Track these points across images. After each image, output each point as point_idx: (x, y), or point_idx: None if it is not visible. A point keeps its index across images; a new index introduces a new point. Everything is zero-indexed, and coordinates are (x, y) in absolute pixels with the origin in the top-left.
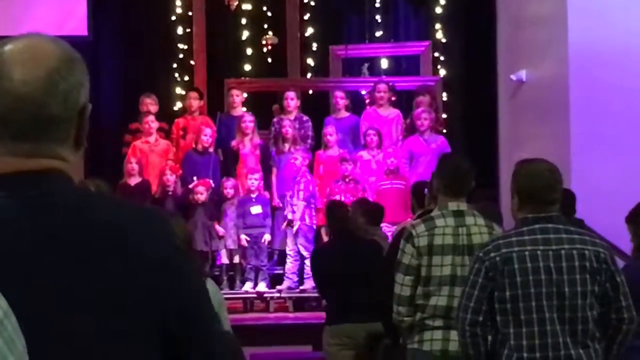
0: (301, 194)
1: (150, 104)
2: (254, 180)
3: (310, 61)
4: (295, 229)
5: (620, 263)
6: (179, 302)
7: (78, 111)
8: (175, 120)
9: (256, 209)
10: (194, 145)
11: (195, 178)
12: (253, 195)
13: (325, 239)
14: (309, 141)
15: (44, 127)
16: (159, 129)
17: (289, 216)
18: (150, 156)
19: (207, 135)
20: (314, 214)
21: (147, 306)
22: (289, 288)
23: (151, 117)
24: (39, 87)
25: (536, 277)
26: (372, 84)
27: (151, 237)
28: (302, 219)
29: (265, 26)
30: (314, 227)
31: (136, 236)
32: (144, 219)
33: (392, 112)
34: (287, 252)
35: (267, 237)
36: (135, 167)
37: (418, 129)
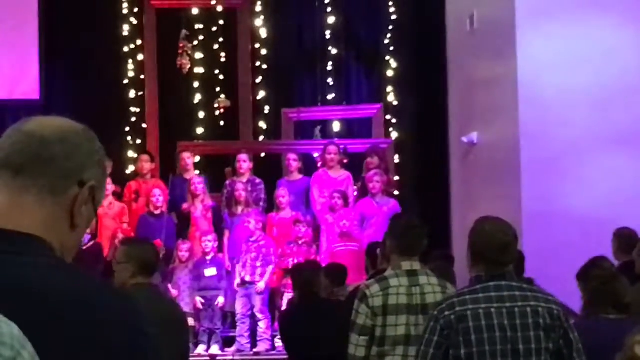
0: (272, 258)
1: None
2: (208, 242)
3: (262, 124)
4: (257, 290)
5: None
6: None
7: (80, 179)
8: (128, 183)
9: (210, 272)
10: (147, 209)
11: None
12: (208, 258)
13: (280, 301)
14: (262, 204)
15: (42, 165)
16: (112, 193)
17: (247, 278)
18: (104, 220)
19: (157, 196)
20: (269, 276)
21: None
22: (239, 351)
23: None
24: (52, 132)
25: (491, 334)
26: (323, 147)
27: (116, 319)
28: (258, 281)
29: (218, 89)
30: (269, 289)
31: (102, 315)
32: (107, 297)
33: (343, 174)
34: (237, 314)
35: (220, 300)
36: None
37: (370, 191)
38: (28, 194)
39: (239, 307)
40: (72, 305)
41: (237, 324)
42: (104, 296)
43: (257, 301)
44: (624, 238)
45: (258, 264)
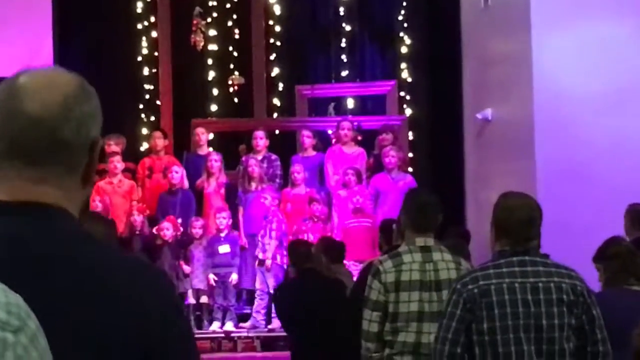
0: (273, 233)
1: (109, 144)
2: (222, 219)
3: (276, 101)
4: (266, 267)
5: None
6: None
7: (90, 143)
8: (141, 160)
9: (224, 248)
10: (168, 186)
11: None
12: (222, 234)
13: None
14: (278, 180)
15: (55, 152)
16: (125, 170)
17: (260, 255)
18: (114, 197)
19: (173, 172)
20: (284, 253)
21: (130, 354)
22: (254, 327)
23: (117, 158)
24: (54, 110)
25: (514, 309)
26: (337, 123)
27: (142, 289)
28: (274, 257)
29: (232, 66)
30: (284, 266)
31: (124, 286)
32: (137, 270)
33: (356, 151)
34: (257, 290)
35: (234, 276)
36: (99, 205)
37: (386, 166)
38: (45, 183)
39: (259, 283)
40: (100, 273)
41: (256, 299)
42: (133, 265)
43: (270, 278)
44: (637, 214)
45: (267, 240)
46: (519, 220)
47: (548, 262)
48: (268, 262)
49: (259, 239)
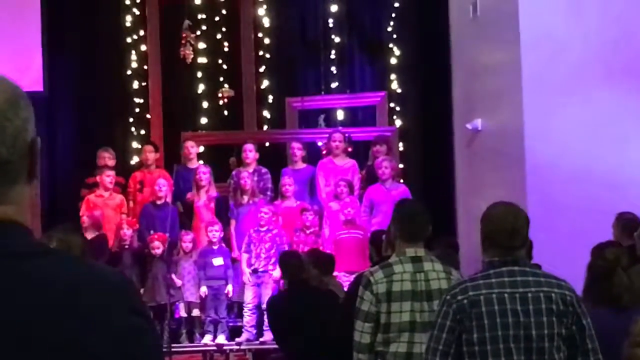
0: (274, 245)
1: (108, 158)
2: (215, 232)
3: (266, 113)
4: (269, 278)
5: None
6: None
7: (28, 148)
8: (132, 173)
9: (218, 261)
10: (152, 199)
11: (152, 232)
12: (214, 247)
13: None
14: (269, 193)
15: None
16: (116, 183)
17: (261, 268)
18: (105, 210)
19: (160, 185)
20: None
21: None
22: (248, 340)
23: (111, 172)
24: None
25: (503, 319)
26: (328, 135)
27: (107, 300)
28: (272, 269)
29: (221, 79)
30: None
31: (91, 298)
32: (101, 280)
33: (348, 162)
34: (246, 304)
35: (229, 288)
36: (86, 220)
37: (380, 177)
38: None
39: (249, 296)
40: (63, 291)
41: (248, 313)
42: (93, 278)
43: (269, 290)
44: (627, 222)
45: (272, 252)
46: (504, 230)
47: (538, 272)
48: (276, 273)
49: (263, 251)
